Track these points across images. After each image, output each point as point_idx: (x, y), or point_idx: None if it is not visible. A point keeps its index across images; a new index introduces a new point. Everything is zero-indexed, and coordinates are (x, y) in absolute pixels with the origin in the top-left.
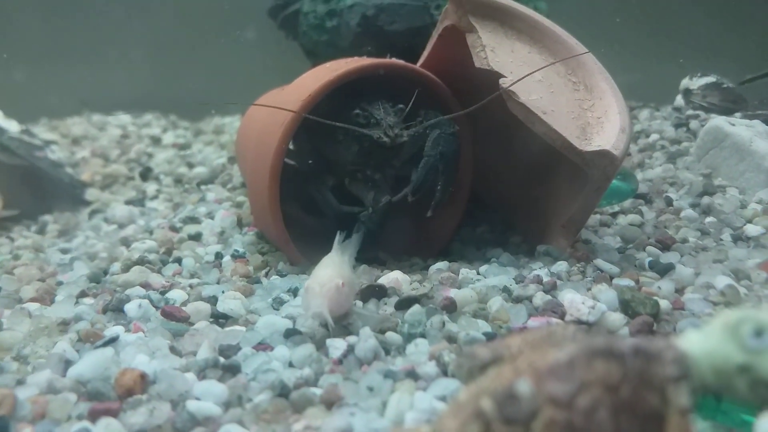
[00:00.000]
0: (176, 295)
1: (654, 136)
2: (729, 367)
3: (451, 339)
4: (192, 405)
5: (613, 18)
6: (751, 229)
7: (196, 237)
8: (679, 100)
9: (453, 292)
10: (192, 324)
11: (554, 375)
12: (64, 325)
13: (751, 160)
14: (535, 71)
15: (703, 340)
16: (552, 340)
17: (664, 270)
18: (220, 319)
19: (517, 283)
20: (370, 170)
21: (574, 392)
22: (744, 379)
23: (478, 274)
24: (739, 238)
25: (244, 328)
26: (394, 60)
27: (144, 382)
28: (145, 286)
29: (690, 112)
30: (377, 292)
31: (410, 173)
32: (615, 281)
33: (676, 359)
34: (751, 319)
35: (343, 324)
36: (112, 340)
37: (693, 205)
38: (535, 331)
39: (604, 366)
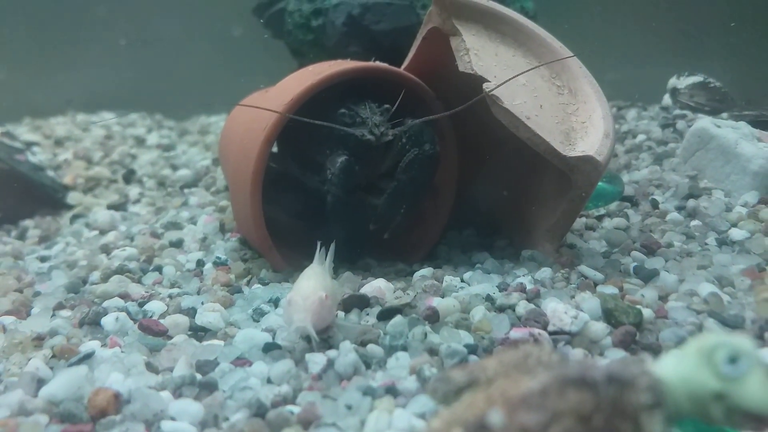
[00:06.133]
0: (155, 307)
1: (641, 137)
2: (704, 394)
3: (433, 351)
4: (167, 426)
5: (602, 16)
6: (736, 233)
7: (178, 244)
8: (667, 99)
9: (436, 302)
10: (170, 338)
11: (526, 405)
12: (39, 340)
13: (737, 163)
14: (517, 75)
15: (677, 366)
16: (528, 364)
17: (648, 276)
18: (199, 332)
19: (500, 291)
20: None
21: (546, 422)
22: (719, 406)
23: (462, 281)
24: (724, 243)
25: (222, 342)
26: (378, 63)
27: (118, 402)
28: (124, 296)
29: (677, 111)
30: (360, 302)
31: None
32: (599, 289)
33: (650, 386)
34: (725, 345)
35: (323, 337)
36: (87, 357)
37: (679, 208)
38: (511, 353)
39: (576, 395)
